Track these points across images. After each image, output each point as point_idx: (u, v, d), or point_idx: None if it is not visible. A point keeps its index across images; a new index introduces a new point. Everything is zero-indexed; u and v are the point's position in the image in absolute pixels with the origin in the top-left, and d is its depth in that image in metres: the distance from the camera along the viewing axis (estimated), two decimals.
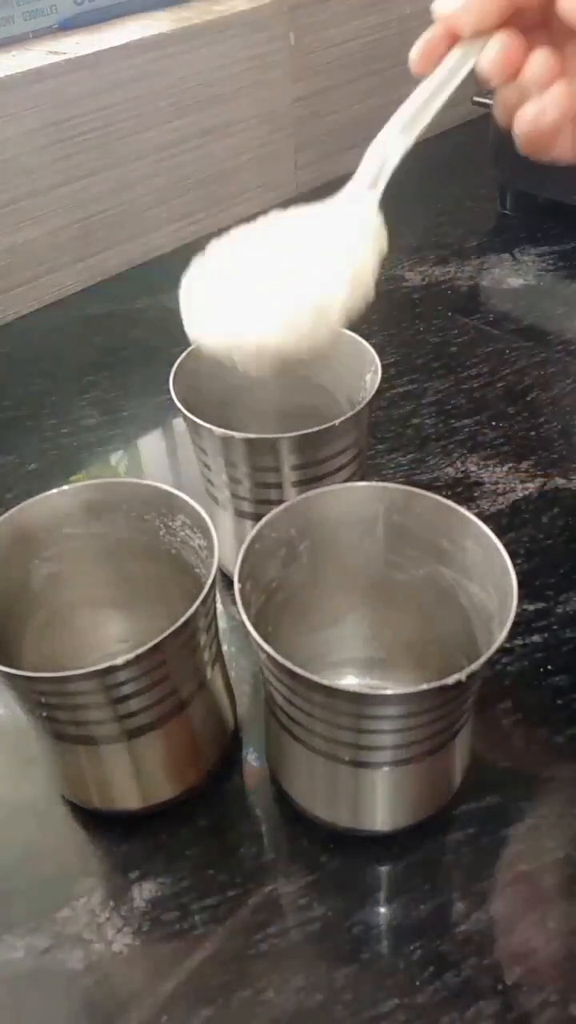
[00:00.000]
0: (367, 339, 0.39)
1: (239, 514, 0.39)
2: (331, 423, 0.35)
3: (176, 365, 0.38)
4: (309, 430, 0.35)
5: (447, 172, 0.78)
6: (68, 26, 0.64)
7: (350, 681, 0.36)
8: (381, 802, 0.31)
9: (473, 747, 0.33)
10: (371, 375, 0.37)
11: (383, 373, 0.37)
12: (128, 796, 0.32)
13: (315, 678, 0.26)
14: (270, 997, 0.29)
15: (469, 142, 0.77)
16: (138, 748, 0.31)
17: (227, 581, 0.31)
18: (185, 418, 0.36)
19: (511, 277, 0.65)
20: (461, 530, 0.31)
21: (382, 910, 0.31)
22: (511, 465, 0.48)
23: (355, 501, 0.32)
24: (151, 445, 0.53)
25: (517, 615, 0.27)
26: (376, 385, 0.37)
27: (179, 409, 0.36)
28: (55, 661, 0.33)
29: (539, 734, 0.35)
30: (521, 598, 0.27)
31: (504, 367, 0.56)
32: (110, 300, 0.66)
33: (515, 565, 0.28)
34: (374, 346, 0.38)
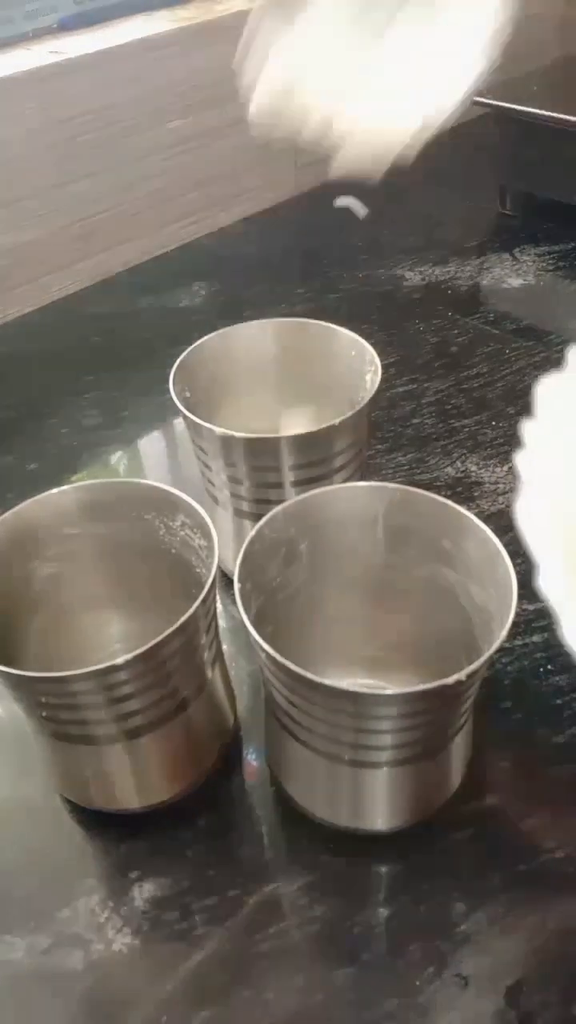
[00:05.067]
0: (367, 339, 0.39)
1: (239, 514, 0.39)
2: (331, 423, 0.35)
3: (176, 365, 0.38)
4: (309, 430, 0.35)
5: (447, 172, 0.78)
6: (68, 26, 0.64)
7: (350, 681, 0.36)
8: (381, 802, 0.31)
9: (473, 747, 0.33)
10: (371, 375, 0.37)
11: (383, 373, 0.37)
12: (128, 796, 0.32)
13: (315, 678, 0.26)
14: (270, 997, 0.29)
15: (469, 142, 0.77)
16: (138, 748, 0.31)
17: (227, 581, 0.31)
18: (185, 418, 0.36)
19: (511, 277, 0.65)
20: (461, 530, 0.31)
21: (382, 910, 0.31)
22: (511, 465, 0.48)
23: (355, 501, 0.32)
24: (151, 445, 0.53)
25: (517, 615, 0.27)
26: (376, 385, 0.37)
27: (179, 409, 0.36)
28: (55, 661, 0.33)
29: (539, 734, 0.35)
30: (521, 598, 0.27)
31: (504, 367, 0.56)
32: (110, 300, 0.66)
33: (515, 565, 0.28)
34: (374, 346, 0.38)
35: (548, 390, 0.18)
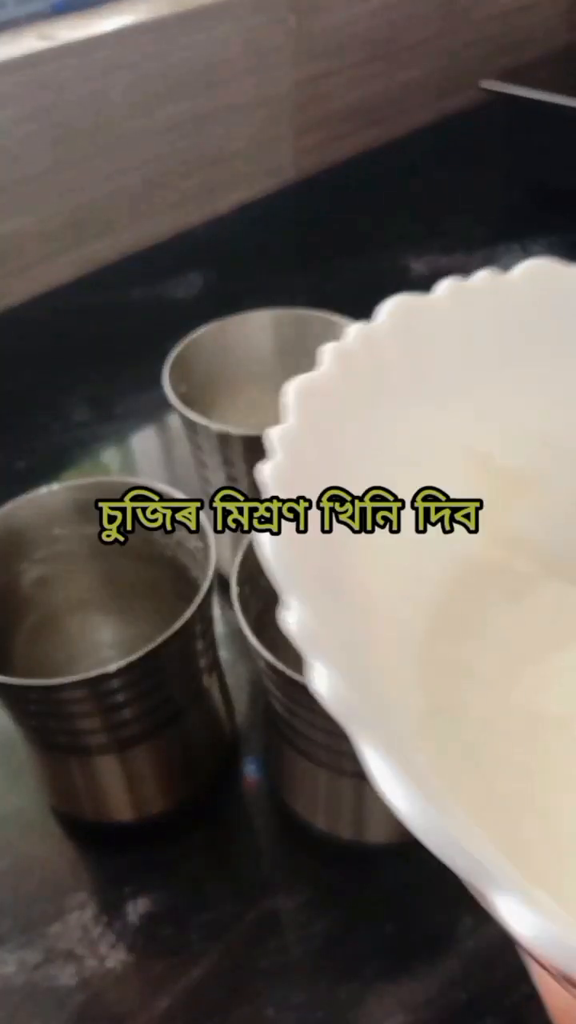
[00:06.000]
0: None
1: None
2: None
3: (171, 358, 0.37)
4: None
5: (454, 158, 0.77)
6: (61, 9, 0.62)
7: None
8: (384, 815, 0.30)
9: None
10: None
11: None
12: (121, 809, 0.32)
13: None
14: (270, 1015, 0.28)
15: (478, 128, 0.75)
16: (132, 759, 0.30)
17: (224, 584, 0.30)
18: (180, 414, 0.35)
19: None
20: None
21: (385, 925, 0.30)
22: None
23: None
24: (145, 442, 0.52)
25: None
26: None
27: (174, 404, 0.35)
28: (45, 667, 0.33)
29: None
30: None
31: None
32: (103, 290, 0.65)
33: None
34: None
35: (299, 391, 0.14)
